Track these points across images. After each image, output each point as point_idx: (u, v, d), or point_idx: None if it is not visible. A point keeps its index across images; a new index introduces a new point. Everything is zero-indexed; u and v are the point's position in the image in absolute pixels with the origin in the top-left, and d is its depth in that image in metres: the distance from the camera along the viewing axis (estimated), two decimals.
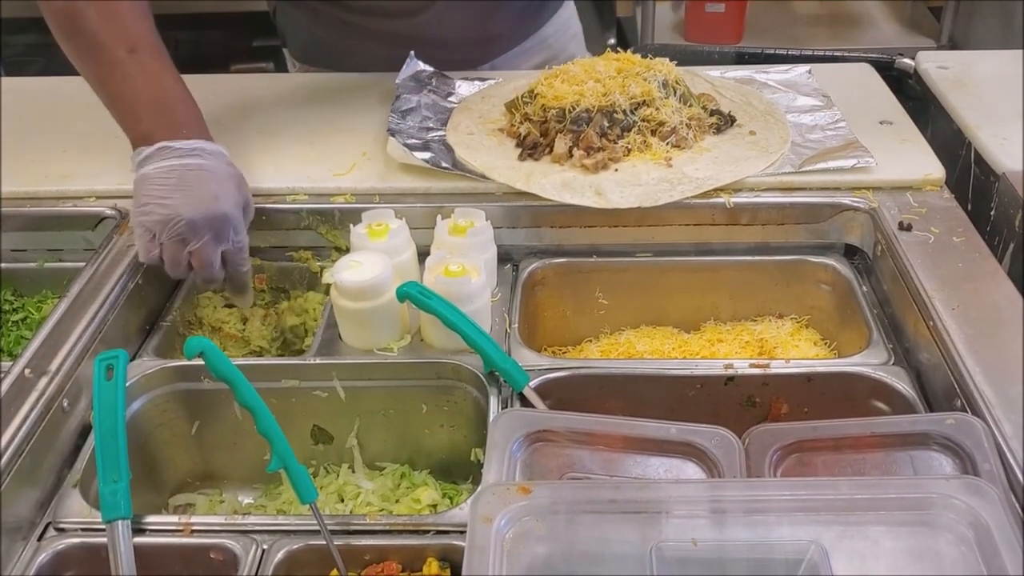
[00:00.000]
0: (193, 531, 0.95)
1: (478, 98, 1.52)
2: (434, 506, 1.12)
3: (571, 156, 1.31)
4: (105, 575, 0.88)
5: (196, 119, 1.23)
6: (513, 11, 1.67)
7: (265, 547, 0.92)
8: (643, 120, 1.34)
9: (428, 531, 0.94)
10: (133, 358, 1.17)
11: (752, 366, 1.12)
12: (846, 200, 1.28)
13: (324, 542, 0.91)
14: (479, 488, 0.88)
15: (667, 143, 1.33)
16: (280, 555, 0.92)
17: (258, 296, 1.35)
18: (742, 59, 1.69)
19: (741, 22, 3.01)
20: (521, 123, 1.38)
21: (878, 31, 3.14)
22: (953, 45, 2.93)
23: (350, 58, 1.66)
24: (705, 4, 2.97)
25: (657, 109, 1.34)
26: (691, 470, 0.94)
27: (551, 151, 1.33)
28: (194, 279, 1.22)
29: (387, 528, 0.95)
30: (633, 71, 1.37)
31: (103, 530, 0.91)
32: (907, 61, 1.64)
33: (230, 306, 1.33)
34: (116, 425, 0.95)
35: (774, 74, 1.58)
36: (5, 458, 0.93)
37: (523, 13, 1.69)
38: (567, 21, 1.81)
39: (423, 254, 1.22)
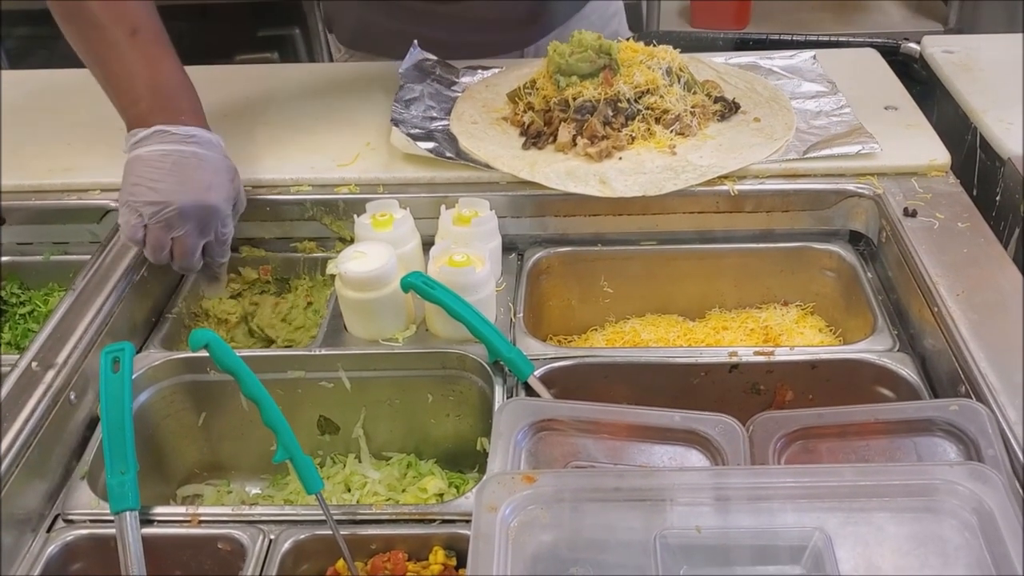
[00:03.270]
0: (201, 522, 0.95)
1: (482, 87, 1.52)
2: (440, 495, 1.13)
3: (575, 145, 1.31)
4: (114, 566, 0.89)
5: (195, 107, 1.22)
6: None
7: (272, 537, 0.93)
8: (647, 108, 1.34)
9: (434, 520, 0.94)
10: (139, 350, 1.17)
11: (756, 353, 1.12)
12: (851, 186, 1.28)
13: (331, 532, 0.91)
14: (484, 477, 0.88)
15: (671, 131, 1.33)
16: (287, 545, 0.92)
17: (263, 287, 1.36)
18: (746, 45, 1.68)
19: (747, 7, 2.99)
20: (525, 112, 1.38)
21: (885, 15, 3.12)
22: (960, 29, 2.91)
23: (398, 42, 1.62)
24: None
25: (661, 97, 1.34)
26: (695, 458, 0.94)
27: (555, 140, 1.33)
28: (172, 264, 1.20)
29: (393, 517, 0.95)
30: (637, 59, 1.37)
31: (111, 521, 0.91)
32: (913, 45, 1.62)
33: (235, 297, 1.33)
34: (123, 417, 0.95)
35: (779, 60, 1.57)
36: (14, 451, 0.94)
37: None
38: None
39: (427, 244, 1.22)
